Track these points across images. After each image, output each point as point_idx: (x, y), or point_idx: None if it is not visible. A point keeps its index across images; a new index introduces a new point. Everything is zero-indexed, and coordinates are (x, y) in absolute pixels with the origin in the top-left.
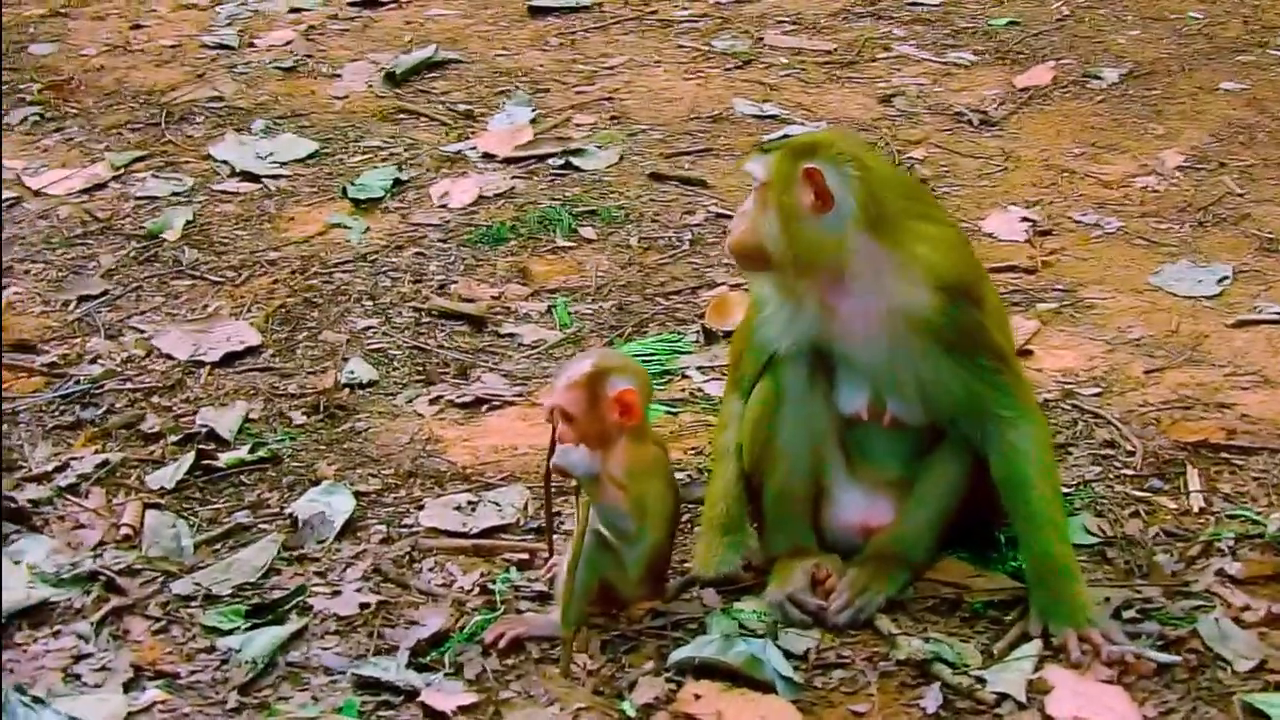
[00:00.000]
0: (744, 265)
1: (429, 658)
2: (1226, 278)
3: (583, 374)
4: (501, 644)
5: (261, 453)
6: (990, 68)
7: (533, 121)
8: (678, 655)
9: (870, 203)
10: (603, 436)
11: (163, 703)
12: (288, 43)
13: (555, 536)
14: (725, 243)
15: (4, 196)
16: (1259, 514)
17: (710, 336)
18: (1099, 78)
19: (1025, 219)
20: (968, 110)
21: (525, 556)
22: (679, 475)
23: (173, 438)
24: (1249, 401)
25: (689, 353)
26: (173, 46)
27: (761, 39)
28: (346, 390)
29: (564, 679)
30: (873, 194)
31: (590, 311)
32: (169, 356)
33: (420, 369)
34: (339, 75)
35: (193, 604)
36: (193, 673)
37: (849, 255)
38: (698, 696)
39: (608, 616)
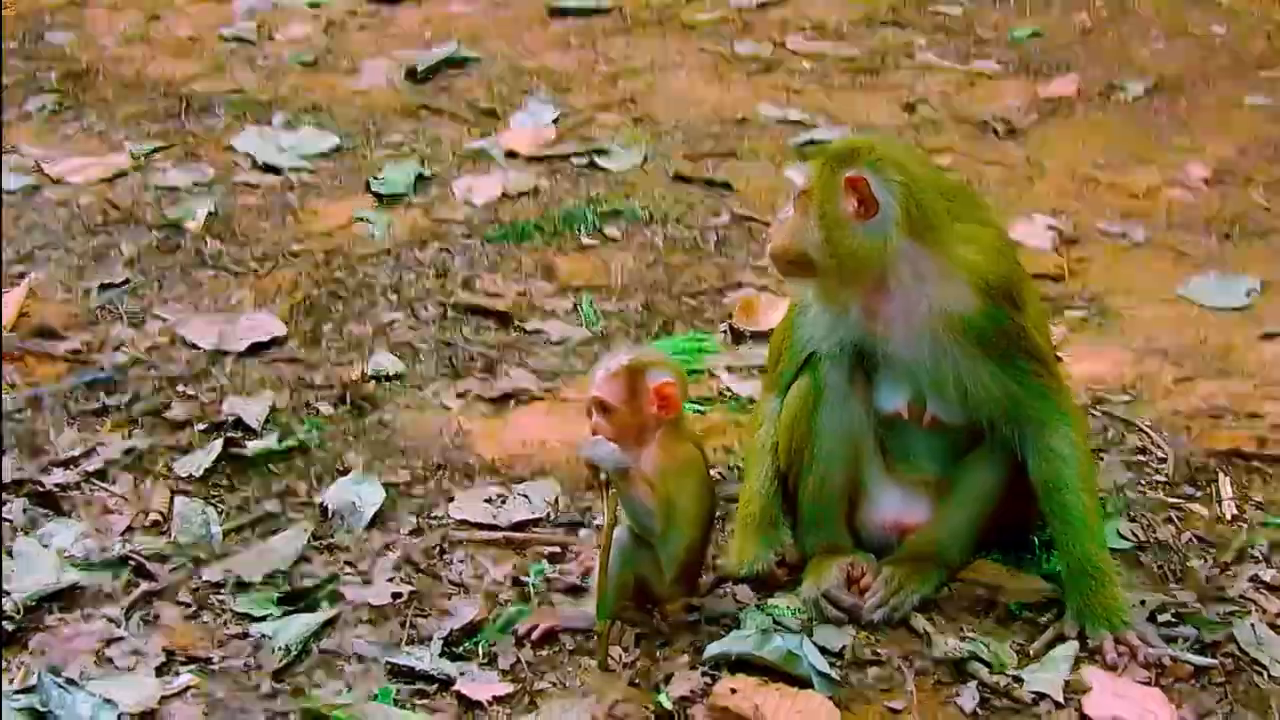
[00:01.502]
0: (785, 272)
1: (462, 648)
2: (1254, 290)
3: (622, 366)
4: (535, 636)
5: (289, 442)
6: (1014, 78)
7: (556, 121)
8: (713, 649)
9: (913, 207)
10: (640, 430)
11: (195, 687)
12: (307, 37)
13: (587, 530)
14: (766, 249)
15: (23, 184)
16: None
17: (738, 336)
18: (1123, 90)
19: (1051, 228)
20: (992, 119)
21: (557, 549)
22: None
23: (200, 426)
24: (1278, 412)
25: (716, 352)
26: (191, 38)
27: (784, 44)
28: (373, 382)
29: (600, 671)
30: (915, 199)
31: (616, 310)
32: (194, 346)
33: (447, 363)
34: (359, 70)
35: (223, 590)
36: (225, 658)
37: (892, 260)
38: (734, 690)
39: (643, 612)
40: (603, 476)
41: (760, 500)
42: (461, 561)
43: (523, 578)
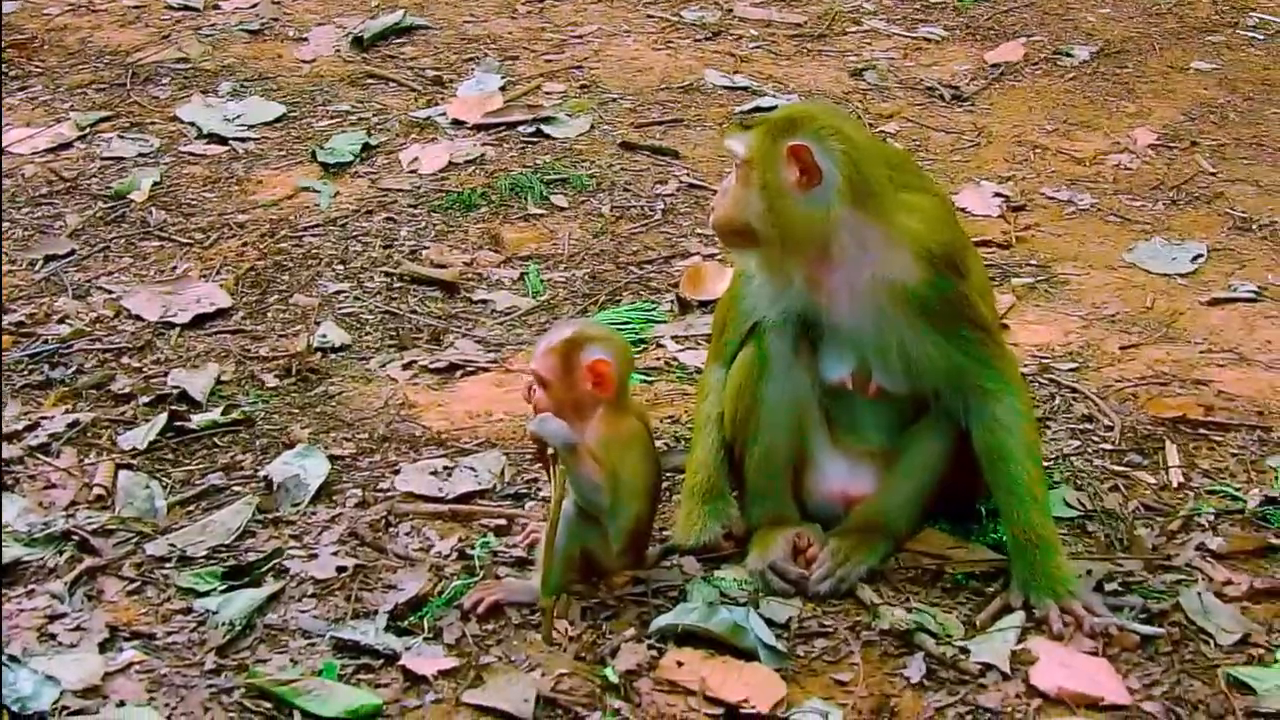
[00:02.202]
0: (729, 243)
1: (408, 621)
2: (1200, 255)
3: (560, 340)
4: (480, 609)
5: (234, 415)
6: (961, 43)
7: (502, 89)
8: (660, 622)
9: (855, 176)
10: (577, 405)
11: (140, 663)
12: (253, 5)
13: (533, 504)
14: (709, 220)
15: None
16: (1238, 489)
17: (685, 306)
18: (1070, 55)
19: (998, 194)
20: (939, 85)
21: (503, 522)
22: (656, 444)
23: (144, 399)
24: (1225, 378)
25: (663, 322)
26: (137, 7)
27: (731, 10)
28: (319, 354)
29: (545, 645)
30: (857, 167)
31: (563, 279)
32: (138, 317)
33: (393, 334)
34: (305, 39)
35: (167, 565)
36: (169, 634)
37: (835, 229)
38: (680, 664)
39: (589, 584)
40: (550, 452)
41: (706, 471)
42: (407, 534)
43: (469, 550)
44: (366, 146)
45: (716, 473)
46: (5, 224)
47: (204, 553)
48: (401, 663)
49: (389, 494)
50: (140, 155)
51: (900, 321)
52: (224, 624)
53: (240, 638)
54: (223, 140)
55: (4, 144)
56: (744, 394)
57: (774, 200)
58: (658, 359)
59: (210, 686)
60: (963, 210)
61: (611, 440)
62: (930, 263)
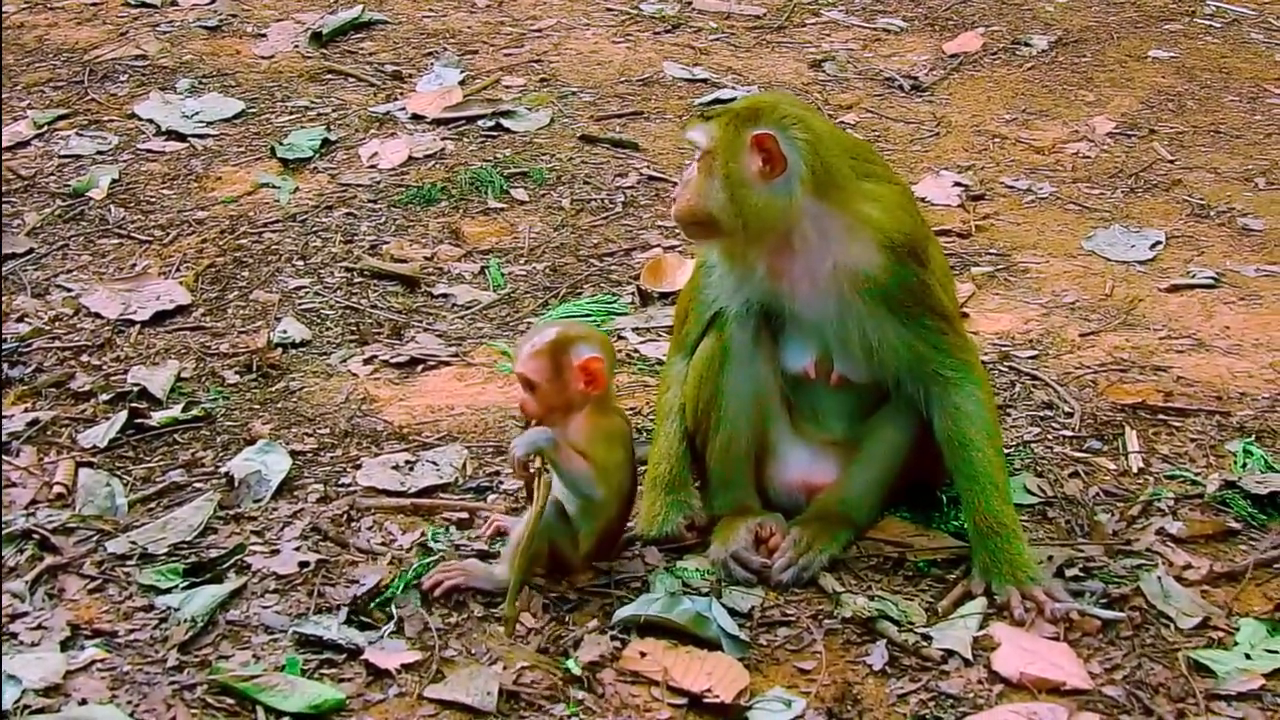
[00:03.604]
0: (691, 234)
1: (370, 614)
2: (1159, 243)
3: (547, 342)
4: (439, 591)
5: (195, 411)
6: (919, 34)
7: (462, 83)
8: (622, 613)
9: (818, 165)
10: (566, 405)
11: (101, 661)
12: (211, 2)
13: (495, 498)
14: (671, 212)
15: None
16: (1197, 474)
17: (646, 298)
18: (1028, 45)
19: (958, 184)
20: (898, 76)
21: (465, 515)
22: None
23: (104, 396)
24: (1184, 365)
25: (625, 314)
26: (94, 5)
27: (690, 3)
28: (279, 350)
29: (508, 638)
30: (820, 157)
31: (524, 273)
32: (98, 315)
33: (354, 329)
34: (264, 35)
35: (129, 563)
36: (131, 631)
37: (797, 218)
38: (643, 654)
39: (552, 579)
40: (532, 469)
41: (669, 462)
42: (369, 529)
43: (431, 544)
44: (326, 142)
45: (679, 463)
46: None
47: (165, 550)
48: (364, 657)
49: (351, 489)
50: (99, 153)
51: (862, 310)
52: (186, 621)
53: (202, 634)
54: (181, 137)
55: None
56: (705, 384)
57: (737, 189)
58: (619, 351)
59: (173, 683)
60: (922, 200)
61: (597, 435)
62: (892, 251)
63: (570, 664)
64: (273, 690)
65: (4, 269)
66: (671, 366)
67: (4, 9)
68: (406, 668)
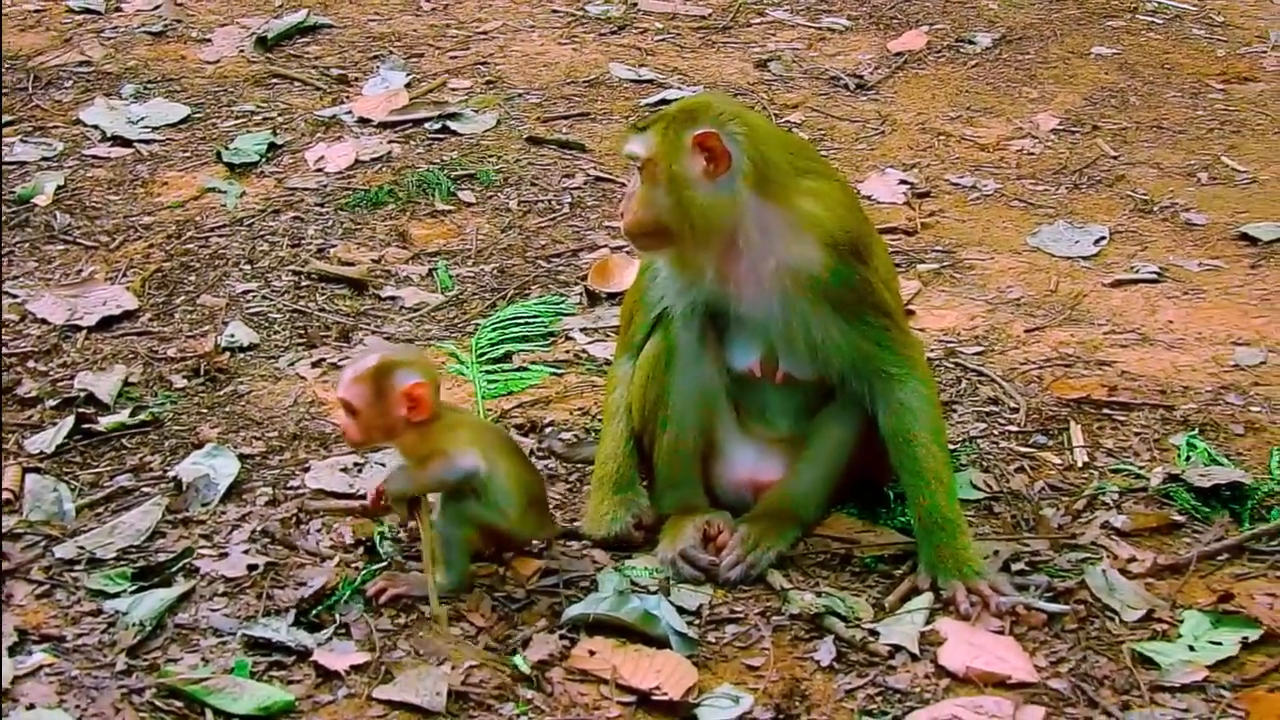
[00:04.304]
0: (642, 245)
1: (316, 615)
2: (1103, 238)
3: (368, 368)
4: (382, 599)
5: (142, 416)
6: (864, 33)
7: (408, 86)
8: (571, 612)
9: (760, 160)
10: (388, 431)
11: (50, 666)
12: (155, 7)
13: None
14: (621, 227)
15: None
16: (1142, 468)
17: (593, 298)
18: (972, 42)
19: (903, 182)
20: (843, 75)
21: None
22: (565, 435)
23: (51, 402)
24: (1128, 359)
25: (572, 314)
26: (37, 11)
27: (635, 4)
28: (227, 354)
29: (458, 638)
30: (761, 151)
31: (471, 275)
32: (44, 321)
33: (301, 332)
34: (209, 40)
35: (77, 567)
36: (79, 636)
37: (741, 215)
38: (592, 653)
39: (504, 565)
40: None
41: (616, 462)
42: (318, 531)
43: (380, 547)
44: (272, 146)
45: (626, 463)
46: None
47: (113, 554)
48: (313, 659)
49: (299, 491)
50: (44, 159)
51: (806, 308)
52: (134, 624)
53: (151, 638)
54: (127, 143)
55: None
56: (652, 384)
57: (683, 192)
58: (567, 352)
59: (121, 687)
60: (868, 198)
61: (437, 432)
62: (835, 250)
63: (519, 661)
64: (222, 693)
65: None
66: (618, 367)
67: None
68: (355, 669)
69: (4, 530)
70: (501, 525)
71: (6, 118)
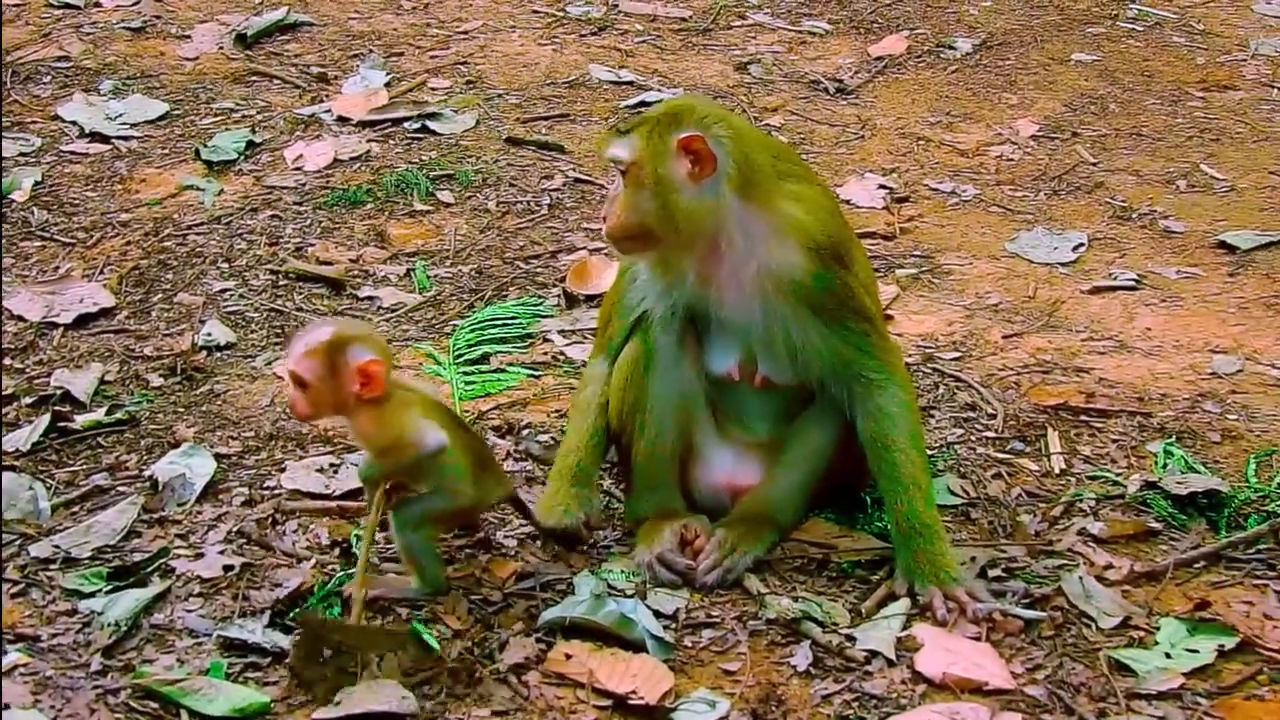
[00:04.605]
0: (624, 249)
1: (290, 615)
2: (1082, 245)
3: (322, 341)
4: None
5: (119, 415)
6: (844, 36)
7: (387, 85)
8: (548, 615)
9: (744, 163)
10: (338, 406)
11: (24, 665)
12: (135, 3)
13: None
14: (603, 231)
15: None
16: (1119, 475)
17: (571, 300)
18: (953, 47)
19: (882, 186)
20: (823, 78)
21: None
22: (542, 438)
23: (26, 400)
24: (1106, 366)
25: (550, 316)
26: (17, 5)
27: (616, 5)
28: (204, 352)
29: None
30: (745, 155)
31: (449, 275)
32: (20, 318)
33: (279, 331)
34: (188, 36)
35: (52, 567)
36: (54, 635)
37: (724, 218)
38: (569, 656)
39: (482, 569)
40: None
41: (577, 456)
42: (294, 532)
43: (355, 548)
44: (251, 144)
45: (588, 458)
46: None
47: (89, 553)
48: (289, 660)
49: (276, 492)
50: (21, 155)
51: (786, 312)
52: (110, 625)
53: (126, 638)
54: (105, 139)
55: None
56: (630, 387)
57: (667, 195)
58: (544, 354)
59: (96, 688)
60: (847, 202)
61: (384, 411)
62: (816, 254)
63: (498, 666)
64: (197, 694)
65: None
66: (592, 367)
67: None
68: None
69: None
70: (459, 504)
71: None
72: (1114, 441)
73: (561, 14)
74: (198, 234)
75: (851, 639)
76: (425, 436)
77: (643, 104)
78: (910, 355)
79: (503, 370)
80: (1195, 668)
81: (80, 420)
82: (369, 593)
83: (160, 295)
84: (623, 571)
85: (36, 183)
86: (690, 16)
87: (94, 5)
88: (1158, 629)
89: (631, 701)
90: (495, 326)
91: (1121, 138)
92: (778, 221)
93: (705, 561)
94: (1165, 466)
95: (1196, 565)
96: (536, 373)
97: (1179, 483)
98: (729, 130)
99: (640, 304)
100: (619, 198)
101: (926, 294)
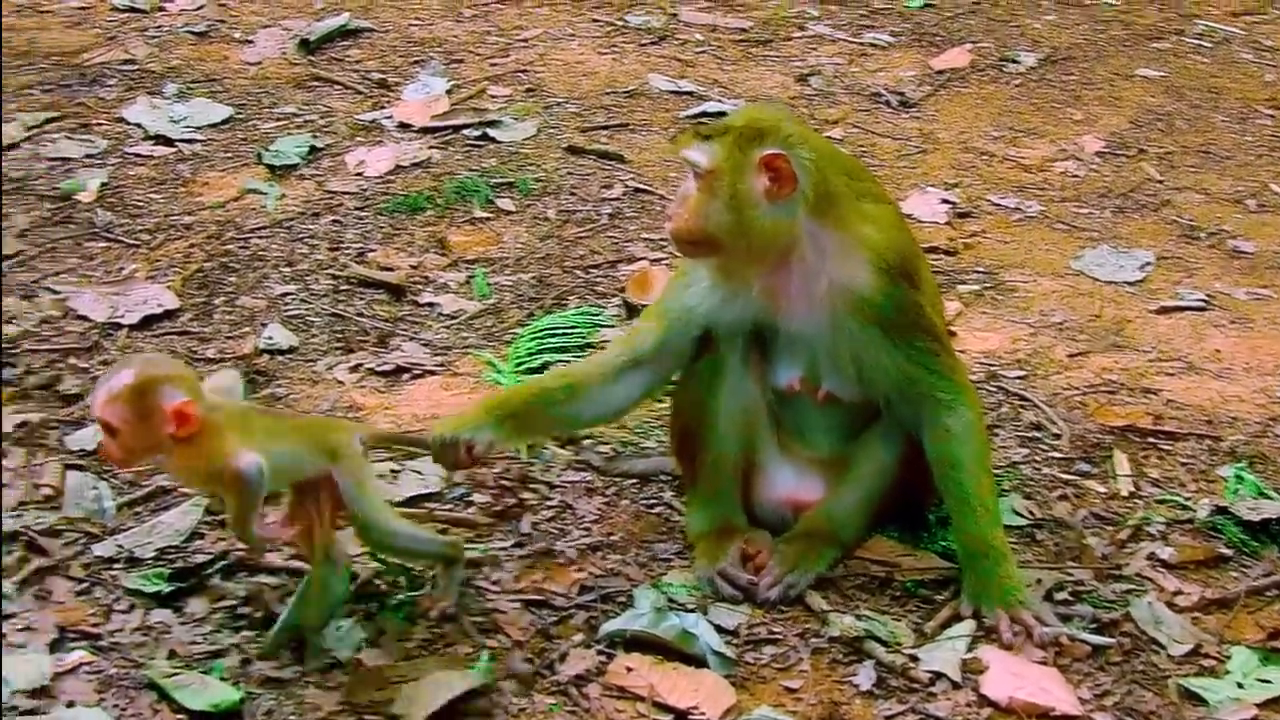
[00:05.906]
0: (686, 251)
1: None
2: (1149, 264)
3: (125, 385)
4: (433, 614)
5: None
6: (907, 49)
7: (448, 92)
8: (608, 628)
9: (821, 185)
10: (152, 449)
11: (88, 664)
12: (199, 7)
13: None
14: (668, 229)
15: None
16: (1188, 499)
17: (631, 310)
18: (1016, 61)
19: (945, 201)
20: (885, 91)
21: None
22: (603, 448)
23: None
24: (1174, 387)
25: (610, 326)
26: (83, 8)
27: (676, 15)
28: (266, 356)
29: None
30: (823, 176)
31: (510, 283)
32: (85, 318)
33: (340, 336)
34: (251, 41)
35: (115, 566)
36: (115, 633)
37: (798, 237)
38: (629, 669)
39: (542, 578)
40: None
41: (511, 391)
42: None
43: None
44: (313, 149)
45: (518, 397)
46: None
47: (152, 554)
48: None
49: None
50: (87, 156)
51: (854, 329)
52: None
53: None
54: (169, 142)
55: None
56: (697, 406)
57: (742, 210)
58: None
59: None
60: (909, 217)
61: (197, 444)
62: (886, 272)
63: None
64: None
65: None
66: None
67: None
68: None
69: (43, 527)
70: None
71: (51, 114)
72: (1183, 465)
73: (621, 23)
74: (260, 238)
75: (915, 659)
76: (238, 462)
77: (704, 114)
78: (974, 372)
79: None
80: (1268, 698)
81: None
82: (441, 606)
83: (223, 298)
84: (683, 585)
85: (102, 184)
86: (751, 27)
87: (159, 9)
88: (1229, 658)
89: (693, 717)
90: (555, 335)
91: (1189, 155)
92: (849, 240)
93: (767, 577)
94: (1236, 491)
95: (1268, 593)
96: None
97: (1251, 508)
98: (812, 152)
99: (697, 309)
100: (690, 199)
101: (990, 310)
